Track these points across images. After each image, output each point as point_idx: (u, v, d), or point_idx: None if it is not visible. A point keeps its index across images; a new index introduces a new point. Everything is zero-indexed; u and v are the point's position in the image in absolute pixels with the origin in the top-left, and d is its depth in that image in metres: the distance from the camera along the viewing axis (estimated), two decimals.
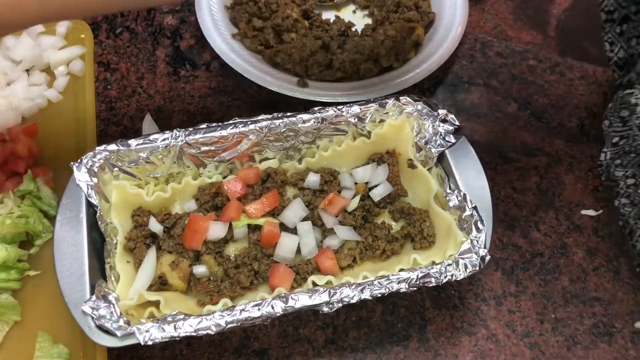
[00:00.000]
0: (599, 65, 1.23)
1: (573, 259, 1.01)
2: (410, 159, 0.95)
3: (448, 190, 0.90)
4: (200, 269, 0.88)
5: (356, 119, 0.95)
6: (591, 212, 1.05)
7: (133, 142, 0.90)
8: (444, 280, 0.81)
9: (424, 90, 1.19)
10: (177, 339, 0.76)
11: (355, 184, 0.96)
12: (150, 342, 0.74)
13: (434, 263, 0.84)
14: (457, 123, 0.93)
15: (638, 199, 0.88)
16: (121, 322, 0.76)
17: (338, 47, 1.18)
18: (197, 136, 0.92)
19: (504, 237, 1.03)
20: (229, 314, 0.77)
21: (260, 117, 0.94)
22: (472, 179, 0.90)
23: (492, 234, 0.87)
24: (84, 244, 0.83)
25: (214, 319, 0.77)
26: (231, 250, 0.91)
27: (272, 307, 0.78)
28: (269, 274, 0.88)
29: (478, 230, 0.83)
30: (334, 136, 0.97)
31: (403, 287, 0.80)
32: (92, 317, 0.76)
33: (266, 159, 0.97)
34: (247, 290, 0.89)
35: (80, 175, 0.86)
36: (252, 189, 0.94)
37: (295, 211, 0.91)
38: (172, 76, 1.19)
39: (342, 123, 0.95)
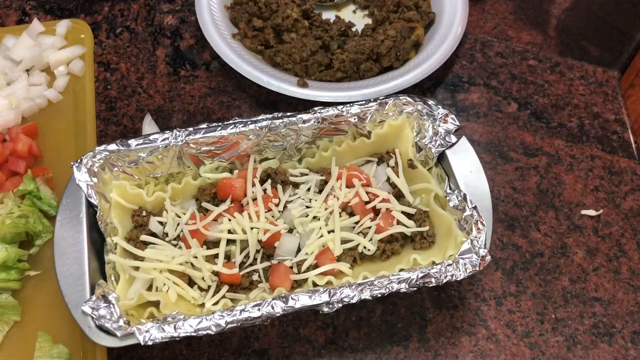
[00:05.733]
0: (599, 65, 1.23)
1: (573, 259, 1.01)
2: (410, 159, 0.95)
3: (448, 190, 0.90)
4: None
5: (356, 119, 0.95)
6: (591, 212, 1.05)
7: (133, 142, 0.90)
8: (444, 280, 0.81)
9: (424, 90, 1.19)
10: (177, 339, 0.76)
11: None
12: (150, 342, 0.74)
13: (434, 263, 0.84)
14: (457, 123, 0.93)
15: None
16: (121, 322, 0.76)
17: (338, 47, 1.18)
18: (197, 136, 0.92)
19: (504, 237, 1.03)
20: (229, 314, 0.77)
21: (260, 117, 0.94)
22: (472, 179, 0.90)
23: (492, 234, 0.87)
24: (84, 244, 0.83)
25: (214, 319, 0.77)
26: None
27: (272, 307, 0.78)
28: (269, 274, 0.88)
29: (478, 230, 0.83)
30: (334, 136, 0.97)
31: (403, 287, 0.80)
32: (92, 317, 0.76)
33: (266, 159, 0.97)
34: (247, 290, 0.89)
35: (80, 175, 0.86)
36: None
37: (295, 211, 0.91)
38: (172, 76, 1.19)
39: (342, 123, 0.95)
